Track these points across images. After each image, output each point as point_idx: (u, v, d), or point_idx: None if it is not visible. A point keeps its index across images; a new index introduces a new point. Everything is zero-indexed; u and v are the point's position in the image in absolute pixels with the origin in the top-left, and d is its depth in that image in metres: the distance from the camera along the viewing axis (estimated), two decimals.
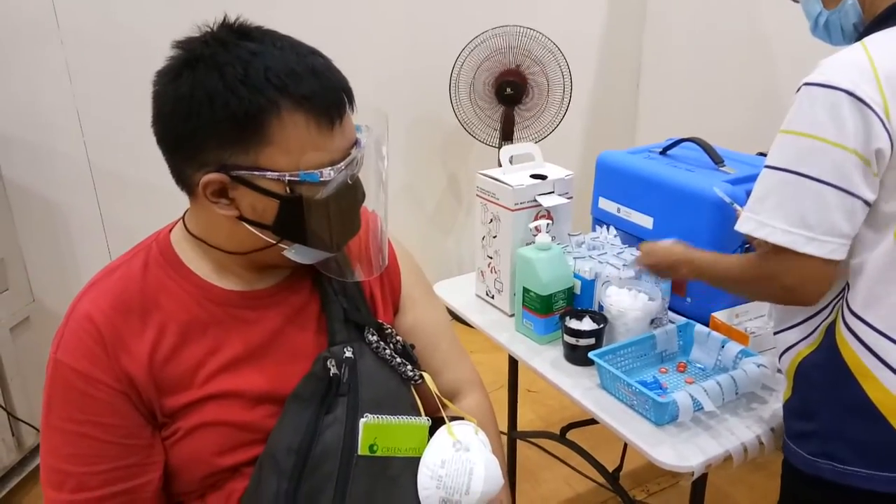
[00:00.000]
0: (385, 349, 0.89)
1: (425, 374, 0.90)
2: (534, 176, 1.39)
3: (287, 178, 0.74)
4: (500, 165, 1.44)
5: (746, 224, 0.94)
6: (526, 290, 1.31)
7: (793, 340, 1.00)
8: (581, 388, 1.18)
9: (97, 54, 2.15)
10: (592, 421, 1.15)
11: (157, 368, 0.79)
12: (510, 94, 2.46)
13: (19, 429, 1.85)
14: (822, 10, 1.04)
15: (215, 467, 0.80)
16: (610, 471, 1.53)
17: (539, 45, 2.45)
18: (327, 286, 0.89)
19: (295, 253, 0.82)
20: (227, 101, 0.71)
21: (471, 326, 1.46)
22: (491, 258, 1.45)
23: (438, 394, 0.89)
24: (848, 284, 0.94)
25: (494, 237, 1.42)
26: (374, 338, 0.89)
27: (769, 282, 0.94)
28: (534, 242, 1.31)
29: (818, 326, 0.97)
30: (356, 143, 0.79)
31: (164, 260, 0.84)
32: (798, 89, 0.90)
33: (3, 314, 1.79)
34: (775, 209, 0.91)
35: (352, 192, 0.80)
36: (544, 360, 1.27)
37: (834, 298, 0.96)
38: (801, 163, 0.88)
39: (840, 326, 0.94)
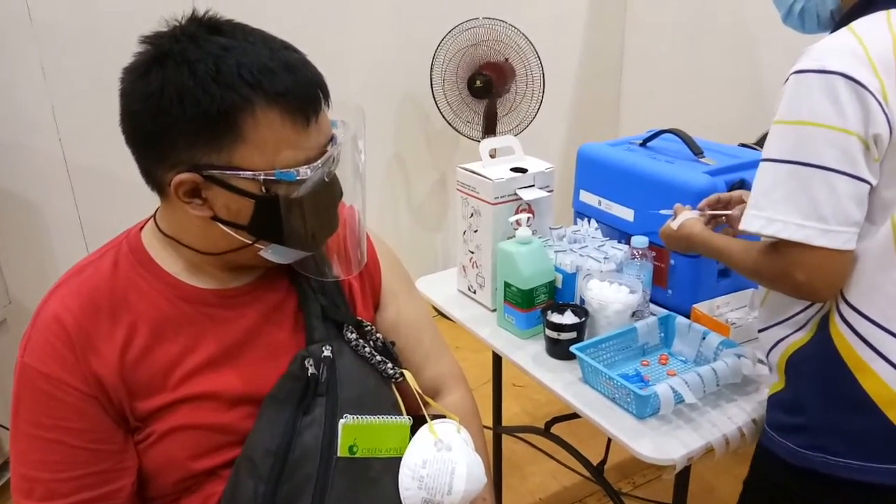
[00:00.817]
0: (364, 347, 0.87)
1: (406, 372, 0.89)
2: (514, 169, 1.38)
3: (262, 177, 0.73)
4: (480, 159, 1.43)
5: (753, 222, 0.90)
6: (507, 285, 1.30)
7: (782, 335, 0.99)
8: (563, 383, 1.18)
9: (72, 50, 2.11)
10: (577, 415, 1.14)
11: (127, 371, 0.77)
12: (480, 87, 2.45)
13: None
14: None
15: (191, 471, 0.79)
16: (595, 464, 1.53)
17: (508, 36, 2.43)
18: (304, 283, 0.87)
19: (272, 253, 0.80)
20: (199, 98, 0.69)
21: (453, 322, 1.45)
22: (472, 253, 1.44)
23: (420, 391, 0.88)
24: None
25: (475, 231, 1.41)
26: (354, 335, 0.87)
27: (782, 279, 0.91)
28: (514, 236, 1.30)
29: (811, 318, 0.95)
30: (332, 139, 0.78)
31: (135, 258, 0.82)
32: (787, 79, 0.88)
33: None
34: (784, 202, 0.87)
35: (329, 190, 0.78)
36: (526, 354, 1.27)
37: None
38: (806, 152, 0.85)
39: (835, 317, 0.92)
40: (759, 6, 2.39)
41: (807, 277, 0.88)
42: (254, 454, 0.78)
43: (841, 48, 0.85)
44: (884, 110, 0.83)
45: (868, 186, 0.85)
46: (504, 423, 1.77)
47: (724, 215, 1.16)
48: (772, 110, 0.91)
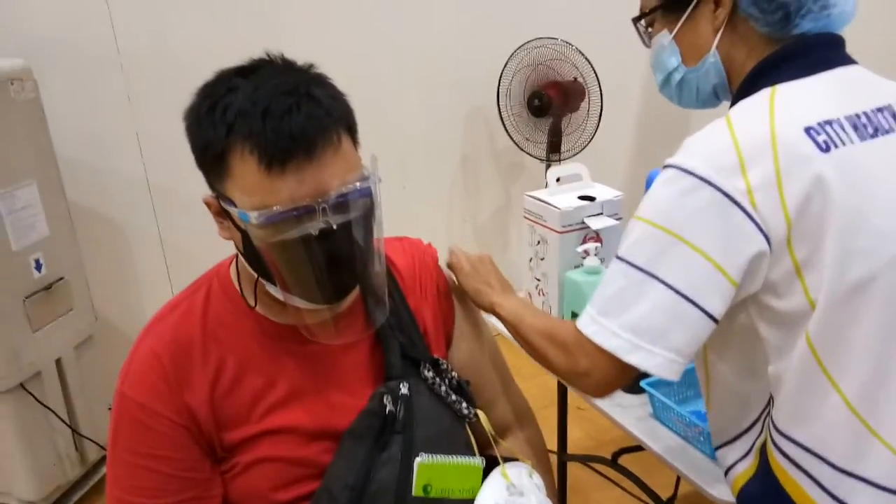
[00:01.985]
0: (441, 385, 0.89)
1: (480, 412, 0.90)
2: (582, 197, 1.37)
3: (237, 212, 0.75)
4: (546, 186, 1.43)
5: (583, 317, 0.83)
6: (574, 315, 1.29)
7: (732, 460, 0.91)
8: (633, 418, 1.16)
9: (154, 78, 2.22)
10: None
11: (217, 403, 0.81)
12: (538, 106, 2.44)
13: (83, 444, 1.92)
14: (678, 66, 0.92)
15: (272, 502, 0.82)
16: (664, 499, 1.50)
17: (571, 55, 2.41)
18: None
19: (277, 291, 0.81)
20: (199, 129, 0.75)
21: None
22: (539, 280, 1.44)
23: (493, 432, 0.89)
24: (772, 397, 0.84)
25: (542, 259, 1.41)
26: (430, 374, 0.89)
27: (565, 354, 0.85)
28: (582, 265, 1.29)
29: (753, 444, 0.88)
30: (327, 195, 0.74)
31: (224, 294, 0.86)
32: (664, 167, 0.80)
33: (67, 333, 1.86)
34: (610, 303, 0.80)
35: (317, 245, 0.74)
36: None
37: (762, 412, 0.87)
38: (644, 256, 0.77)
39: (770, 447, 0.84)
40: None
41: (587, 368, 0.82)
42: (332, 487, 0.81)
43: (713, 148, 0.77)
44: (753, 220, 0.74)
45: (705, 318, 0.76)
46: (569, 448, 1.75)
47: None
48: None
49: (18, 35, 2.00)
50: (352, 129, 0.80)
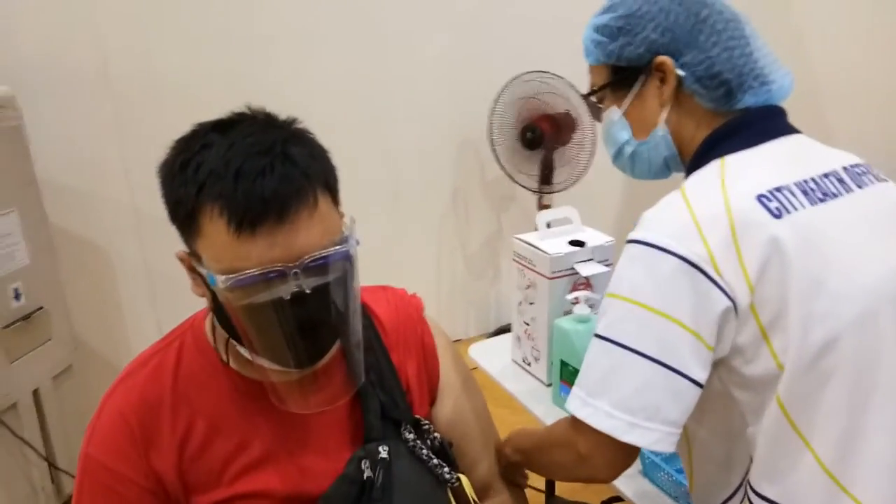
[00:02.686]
0: (422, 448, 0.85)
1: (462, 477, 0.87)
2: (572, 242, 1.35)
3: (206, 273, 0.73)
4: (536, 229, 1.41)
5: (573, 401, 0.82)
6: (564, 364, 1.27)
7: None
8: (623, 477, 1.12)
9: (144, 105, 2.20)
10: None
11: (185, 467, 0.78)
12: (531, 139, 2.44)
13: (59, 477, 1.87)
14: (629, 139, 0.94)
15: None
16: None
17: (559, 90, 2.40)
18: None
19: (246, 353, 0.78)
20: (171, 186, 0.73)
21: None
22: (528, 325, 1.41)
23: (475, 498, 0.86)
24: (751, 458, 0.83)
25: (531, 304, 1.38)
26: (412, 435, 0.86)
27: (566, 445, 0.84)
28: (572, 312, 1.27)
29: None
30: (299, 259, 0.71)
31: (197, 350, 0.83)
32: (627, 242, 0.81)
33: (46, 364, 1.82)
34: (597, 384, 0.80)
35: (288, 310, 0.71)
36: None
37: (745, 475, 0.86)
38: (623, 332, 0.78)
39: None
40: (825, 62, 2.33)
41: (588, 451, 0.82)
42: None
43: (671, 219, 0.78)
44: (718, 285, 0.75)
45: (688, 383, 0.76)
46: (557, 492, 1.71)
47: None
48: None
49: (2, 58, 1.97)
50: (331, 189, 0.77)
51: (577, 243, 1.35)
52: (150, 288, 2.36)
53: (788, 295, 0.75)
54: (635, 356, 0.77)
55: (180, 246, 0.77)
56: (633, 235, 0.80)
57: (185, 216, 0.72)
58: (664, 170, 0.96)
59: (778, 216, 0.76)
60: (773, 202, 0.77)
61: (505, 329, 2.78)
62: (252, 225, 0.68)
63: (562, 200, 2.58)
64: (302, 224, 0.70)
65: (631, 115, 0.93)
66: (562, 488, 2.01)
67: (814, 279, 0.75)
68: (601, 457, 0.81)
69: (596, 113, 0.99)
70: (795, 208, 0.78)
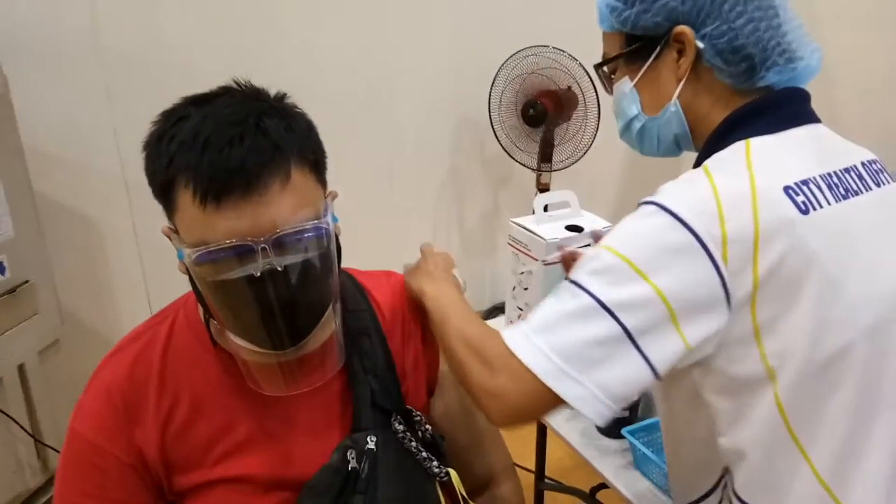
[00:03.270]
0: (411, 441, 0.83)
1: (451, 472, 0.85)
2: (570, 227, 1.32)
3: (176, 248, 0.72)
4: (533, 212, 1.37)
5: (514, 332, 0.75)
6: None
7: None
8: (613, 467, 1.12)
9: (136, 74, 2.14)
10: None
11: (168, 445, 0.77)
12: (533, 116, 2.38)
13: (45, 452, 1.86)
14: (638, 114, 0.89)
15: None
16: None
17: (566, 65, 2.34)
18: (356, 363, 0.83)
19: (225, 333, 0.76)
20: (149, 159, 0.73)
21: None
22: (521, 310, 1.38)
23: (464, 494, 0.84)
24: (729, 471, 0.79)
25: (525, 289, 1.35)
26: (401, 427, 0.83)
27: (485, 367, 0.76)
28: None
29: None
30: (269, 233, 0.68)
31: (189, 328, 0.82)
32: (640, 204, 0.75)
33: (31, 338, 1.79)
34: (546, 323, 0.73)
35: (257, 288, 0.69)
36: (574, 428, 1.21)
37: (720, 480, 0.82)
38: (598, 284, 0.71)
39: None
40: (837, 51, 2.27)
41: (504, 386, 0.74)
42: None
43: (694, 194, 0.72)
44: (719, 272, 0.69)
45: (647, 369, 0.70)
46: (547, 468, 1.70)
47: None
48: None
49: None
50: (312, 164, 0.74)
51: (575, 228, 1.31)
52: (140, 260, 2.33)
53: (801, 298, 0.71)
54: (603, 312, 0.70)
55: None
56: (650, 198, 0.73)
57: (160, 190, 0.71)
58: (674, 148, 0.90)
59: (804, 212, 0.72)
60: (800, 196, 0.73)
61: (499, 308, 2.76)
62: (217, 196, 0.67)
63: (561, 181, 2.53)
64: (272, 197, 0.68)
65: (643, 88, 0.87)
66: (552, 470, 2.00)
67: (832, 284, 0.72)
68: (515, 397, 0.74)
69: (608, 85, 0.93)
70: (821, 205, 0.74)
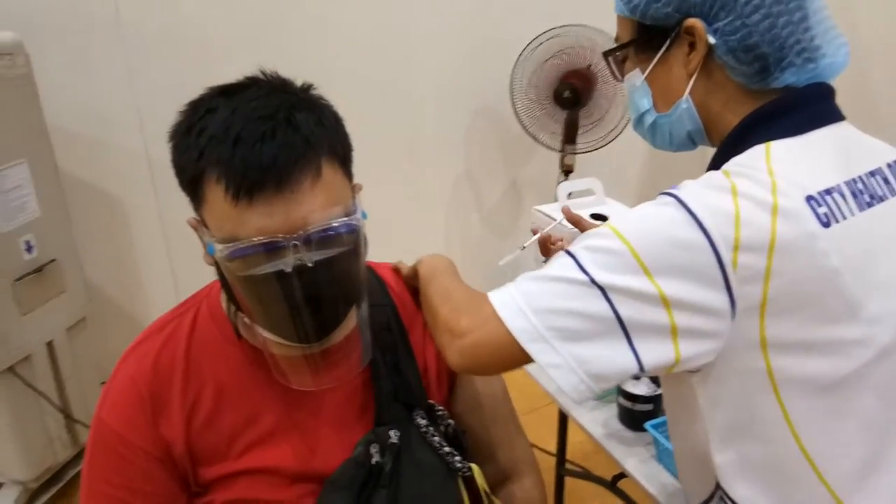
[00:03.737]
0: (434, 435, 0.83)
1: (474, 467, 0.84)
2: (594, 216, 1.29)
3: (206, 242, 0.71)
4: (556, 200, 1.35)
5: (499, 290, 0.73)
6: None
7: None
8: (636, 459, 1.11)
9: (157, 51, 2.14)
10: None
11: (193, 437, 0.77)
12: (569, 97, 2.33)
13: (74, 426, 1.90)
14: (649, 109, 0.84)
15: None
16: None
17: (592, 40, 2.29)
18: (378, 356, 0.83)
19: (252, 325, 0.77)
20: (177, 150, 0.71)
21: None
22: None
23: (487, 489, 0.84)
24: (721, 488, 0.75)
25: None
26: (424, 421, 0.83)
27: (455, 311, 0.75)
28: None
29: None
30: (300, 230, 0.68)
31: (212, 319, 0.82)
32: (659, 194, 0.71)
33: (59, 316, 1.82)
34: (533, 284, 0.71)
35: (288, 284, 0.69)
36: (596, 420, 1.20)
37: (715, 489, 0.79)
38: (594, 263, 0.68)
39: None
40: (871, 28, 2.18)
41: (469, 329, 0.72)
42: None
43: (713, 195, 0.69)
44: (726, 278, 0.66)
45: (634, 360, 0.68)
46: (569, 453, 1.70)
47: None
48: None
49: (11, 4, 1.90)
50: (341, 158, 0.73)
51: (599, 217, 1.29)
52: (165, 237, 2.34)
53: (817, 317, 0.68)
54: (593, 288, 0.67)
55: None
56: (670, 190, 0.70)
57: (188, 182, 0.71)
58: (688, 143, 0.86)
59: (826, 224, 0.68)
60: (823, 207, 0.69)
61: None
62: (249, 192, 0.66)
63: (585, 165, 2.50)
64: (303, 193, 0.68)
65: (654, 82, 0.83)
66: (573, 453, 2.00)
67: (852, 302, 0.68)
68: (477, 337, 0.72)
69: (617, 70, 0.88)
70: (844, 216, 0.70)
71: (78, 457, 1.97)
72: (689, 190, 0.70)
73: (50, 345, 1.80)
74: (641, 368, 0.69)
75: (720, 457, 0.74)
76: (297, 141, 0.67)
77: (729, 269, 0.66)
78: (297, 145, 0.67)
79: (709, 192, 0.69)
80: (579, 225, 1.06)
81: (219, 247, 0.68)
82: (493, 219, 2.89)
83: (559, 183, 2.44)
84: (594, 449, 2.15)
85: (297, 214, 0.67)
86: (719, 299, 0.67)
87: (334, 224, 0.69)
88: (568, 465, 1.72)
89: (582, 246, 0.71)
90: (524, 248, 1.07)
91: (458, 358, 0.76)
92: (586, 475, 1.68)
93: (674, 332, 0.67)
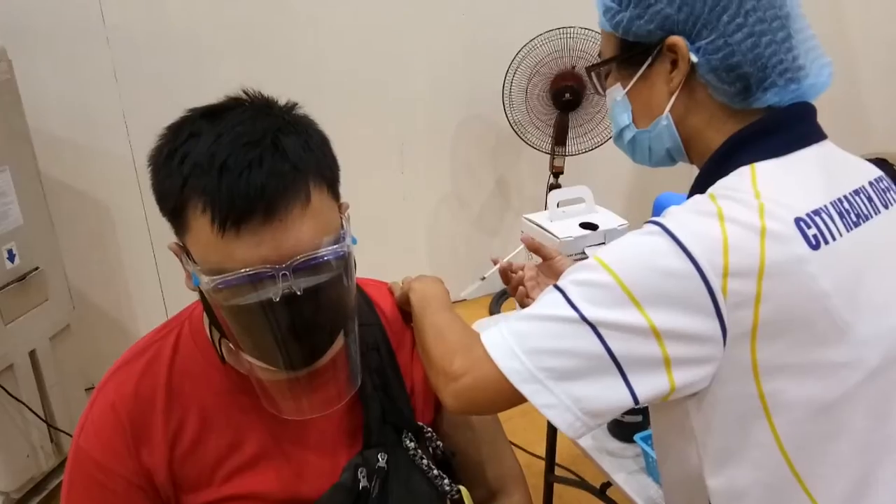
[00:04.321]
0: (422, 458, 0.82)
1: (463, 489, 0.83)
2: (584, 224, 1.29)
3: (191, 272, 0.68)
4: (546, 208, 1.34)
5: (489, 328, 0.73)
6: None
7: None
8: (625, 472, 1.10)
9: (143, 54, 2.12)
10: None
11: (177, 464, 0.75)
12: (569, 100, 2.33)
13: (58, 436, 1.87)
14: (629, 125, 0.83)
15: None
16: None
17: (582, 43, 2.29)
18: (367, 379, 0.81)
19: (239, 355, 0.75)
20: (157, 176, 0.69)
21: None
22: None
23: None
24: None
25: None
26: (413, 444, 0.82)
27: (448, 352, 0.75)
28: None
29: None
30: (289, 259, 0.66)
31: (194, 342, 0.79)
32: (646, 224, 0.70)
33: (42, 325, 1.79)
34: (523, 324, 0.70)
35: (277, 312, 0.67)
36: None
37: None
38: (583, 298, 0.67)
39: None
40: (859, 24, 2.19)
41: (463, 371, 0.72)
42: None
43: (700, 222, 0.68)
44: (717, 305, 0.65)
45: (628, 395, 0.67)
46: (558, 456, 1.69)
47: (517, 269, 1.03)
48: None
49: None
50: (329, 181, 0.71)
51: (590, 226, 1.28)
52: (151, 243, 2.32)
53: (806, 340, 0.67)
54: (589, 331, 0.66)
55: None
56: (656, 219, 0.69)
57: (171, 210, 0.68)
58: (666, 160, 0.85)
59: (815, 247, 0.68)
60: (812, 229, 0.68)
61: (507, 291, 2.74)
62: (236, 223, 0.64)
63: (575, 172, 2.50)
64: (292, 222, 0.65)
65: (635, 98, 0.82)
66: (563, 457, 2.00)
67: (841, 324, 0.68)
68: (471, 380, 0.72)
69: (600, 85, 0.87)
70: (833, 237, 0.69)
71: (61, 466, 1.94)
72: (675, 218, 0.69)
73: (33, 353, 1.78)
74: (637, 401, 0.68)
75: (713, 481, 0.73)
76: (284, 168, 0.65)
77: (719, 297, 0.65)
78: (285, 173, 0.65)
79: (695, 218, 0.68)
80: (539, 253, 1.05)
81: (205, 279, 0.66)
82: (482, 218, 2.89)
83: (549, 183, 2.45)
84: (581, 456, 2.15)
85: (286, 244, 0.65)
86: (711, 327, 0.66)
87: (324, 253, 0.68)
88: (558, 470, 1.71)
89: (570, 280, 0.70)
90: (484, 278, 1.07)
91: (454, 401, 0.76)
92: (575, 482, 1.67)
93: (667, 362, 0.66)
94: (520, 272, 1.05)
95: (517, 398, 0.69)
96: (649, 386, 0.67)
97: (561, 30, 2.27)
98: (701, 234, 0.66)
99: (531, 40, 2.29)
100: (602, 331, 0.66)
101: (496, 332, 0.72)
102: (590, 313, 0.67)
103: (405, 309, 0.90)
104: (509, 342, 0.70)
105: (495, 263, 1.07)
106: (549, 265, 1.04)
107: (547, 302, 0.70)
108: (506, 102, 2.38)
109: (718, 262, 0.65)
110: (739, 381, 0.68)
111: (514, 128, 2.43)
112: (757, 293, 0.65)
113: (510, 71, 2.33)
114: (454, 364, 0.74)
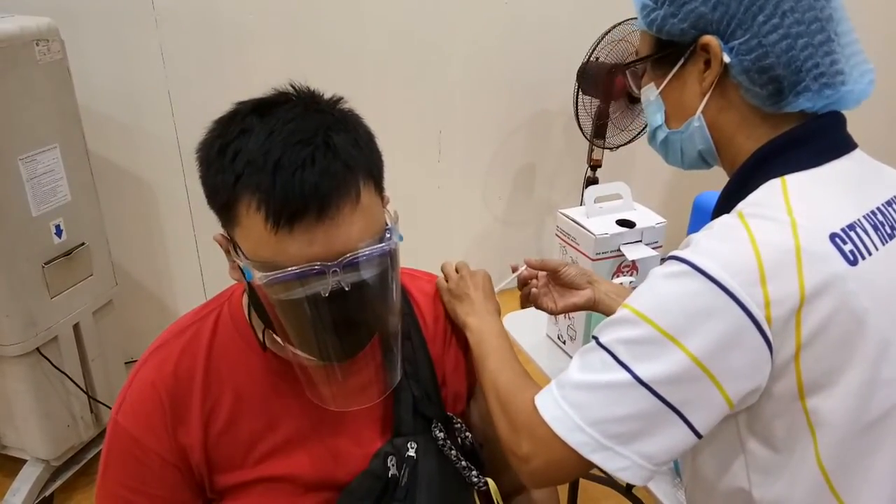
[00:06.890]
0: (451, 448, 0.83)
1: (490, 482, 0.84)
2: (620, 222, 1.27)
3: (242, 266, 0.70)
4: (582, 203, 1.33)
5: (545, 396, 0.73)
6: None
7: None
8: (663, 485, 1.08)
9: (191, 37, 2.15)
10: None
11: (211, 444, 0.78)
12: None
13: (98, 407, 1.93)
14: (662, 125, 0.83)
15: None
16: None
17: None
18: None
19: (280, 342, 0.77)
20: (208, 171, 0.70)
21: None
22: None
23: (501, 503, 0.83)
24: None
25: None
26: (442, 434, 0.83)
27: (512, 431, 0.75)
28: None
29: None
30: (340, 256, 0.68)
31: (233, 325, 0.81)
32: (668, 258, 0.69)
33: (86, 299, 1.84)
34: (578, 392, 0.70)
35: (326, 306, 0.69)
36: None
37: None
38: (627, 352, 0.67)
39: None
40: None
41: (531, 454, 0.72)
42: None
43: (731, 252, 0.66)
44: (765, 335, 0.64)
45: (691, 434, 0.67)
46: None
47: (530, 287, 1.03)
48: None
49: None
50: (375, 177, 0.72)
51: (626, 223, 1.27)
52: (192, 222, 2.37)
53: (850, 359, 0.66)
54: (640, 387, 0.66)
55: None
56: (682, 254, 0.68)
57: (222, 204, 0.69)
58: (699, 162, 0.84)
59: (853, 263, 0.66)
60: (848, 244, 0.66)
61: None
62: (290, 221, 0.65)
63: (613, 168, 2.46)
64: (343, 220, 0.67)
65: (668, 97, 0.81)
66: None
67: (883, 341, 0.67)
68: (542, 462, 0.72)
69: (635, 83, 0.87)
70: (869, 252, 0.68)
71: (100, 437, 2.01)
72: (704, 250, 0.67)
73: (76, 327, 1.84)
74: (700, 437, 0.69)
75: (758, 491, 0.73)
76: (337, 167, 0.66)
77: (765, 326, 0.64)
78: (337, 171, 0.66)
79: (724, 247, 0.67)
80: (545, 268, 1.05)
81: (258, 274, 0.68)
82: (515, 209, 2.88)
83: (586, 177, 2.41)
84: None
85: (337, 241, 0.67)
86: (761, 355, 0.65)
87: (372, 249, 0.69)
88: None
89: (616, 339, 0.69)
90: (499, 288, 1.07)
91: (531, 482, 0.77)
92: (601, 479, 1.66)
93: (713, 380, 0.66)
94: (534, 280, 1.06)
95: (589, 465, 0.70)
96: (708, 417, 0.68)
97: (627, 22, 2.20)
98: (735, 267, 0.65)
99: (614, 27, 2.20)
100: (658, 389, 0.66)
101: (553, 405, 0.71)
102: (643, 372, 0.66)
103: (447, 302, 0.92)
104: (571, 416, 0.70)
105: (514, 271, 1.07)
106: (556, 276, 1.04)
107: (597, 366, 0.69)
108: (580, 96, 2.29)
109: (758, 293, 0.64)
110: (784, 400, 0.68)
111: (582, 130, 2.35)
112: (797, 316, 0.64)
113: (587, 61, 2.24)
114: (522, 448, 0.74)
